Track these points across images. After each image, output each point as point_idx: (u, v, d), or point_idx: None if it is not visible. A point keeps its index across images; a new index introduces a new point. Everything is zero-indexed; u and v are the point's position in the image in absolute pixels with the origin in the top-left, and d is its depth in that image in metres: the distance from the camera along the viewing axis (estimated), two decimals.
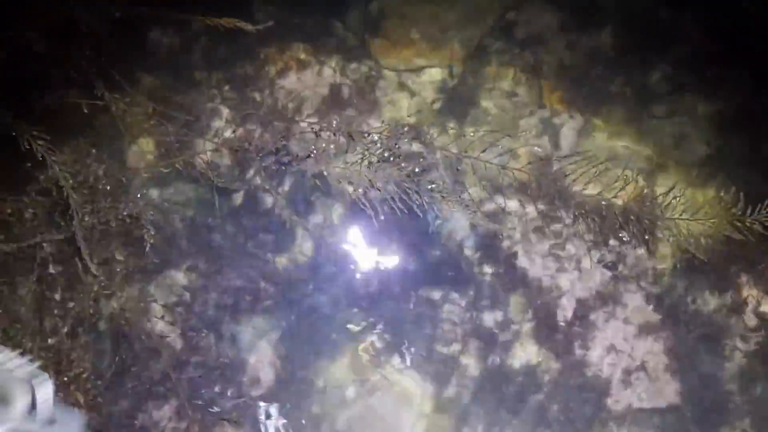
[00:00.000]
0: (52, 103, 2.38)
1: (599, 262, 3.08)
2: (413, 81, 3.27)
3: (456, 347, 2.99)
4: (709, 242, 3.11)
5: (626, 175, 3.17)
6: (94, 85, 2.62)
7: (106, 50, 2.77)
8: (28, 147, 2.09)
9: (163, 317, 2.92)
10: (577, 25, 3.33)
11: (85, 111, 2.71)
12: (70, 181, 2.11)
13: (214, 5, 2.96)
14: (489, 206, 3.11)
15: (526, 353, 3.00)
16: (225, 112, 3.09)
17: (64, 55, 2.36)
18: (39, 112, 2.60)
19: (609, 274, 3.08)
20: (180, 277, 2.98)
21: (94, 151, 2.74)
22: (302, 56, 3.17)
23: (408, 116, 3.21)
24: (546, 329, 3.01)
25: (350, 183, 3.03)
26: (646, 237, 3.11)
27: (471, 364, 2.99)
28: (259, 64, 3.13)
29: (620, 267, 3.09)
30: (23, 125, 2.03)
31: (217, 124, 3.06)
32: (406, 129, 3.17)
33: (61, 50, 2.27)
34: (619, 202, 3.15)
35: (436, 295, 3.04)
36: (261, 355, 2.95)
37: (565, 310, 3.02)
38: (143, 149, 3.00)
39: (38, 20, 2.10)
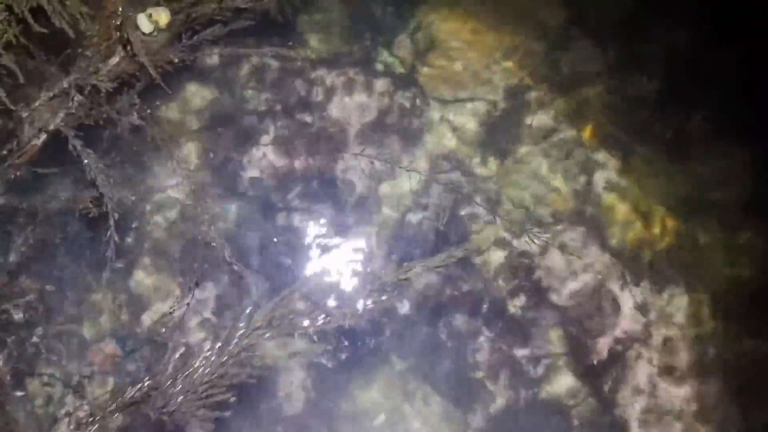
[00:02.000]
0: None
1: (633, 303, 3.07)
2: (457, 111, 3.33)
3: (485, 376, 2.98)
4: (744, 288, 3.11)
5: (661, 216, 3.21)
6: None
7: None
8: (93, 177, 2.14)
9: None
10: (622, 67, 3.38)
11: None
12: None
13: (266, 32, 3.06)
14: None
15: (557, 388, 2.98)
16: (272, 130, 3.15)
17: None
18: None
19: (642, 316, 3.06)
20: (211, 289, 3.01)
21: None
22: (350, 81, 3.24)
23: (450, 145, 3.27)
24: (579, 366, 2.99)
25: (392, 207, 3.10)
26: (682, 280, 3.11)
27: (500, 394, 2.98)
28: (308, 89, 3.20)
29: (653, 309, 3.08)
30: (92, 156, 2.09)
31: (264, 142, 3.12)
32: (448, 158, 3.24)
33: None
34: (658, 242, 3.17)
35: (468, 325, 3.04)
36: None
37: (599, 349, 3.00)
38: (189, 159, 3.07)
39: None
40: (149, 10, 2.17)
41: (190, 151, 3.09)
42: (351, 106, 3.23)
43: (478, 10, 3.40)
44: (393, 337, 3.00)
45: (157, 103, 3.04)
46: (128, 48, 2.12)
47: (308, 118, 3.17)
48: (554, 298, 3.07)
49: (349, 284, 3.06)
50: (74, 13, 1.96)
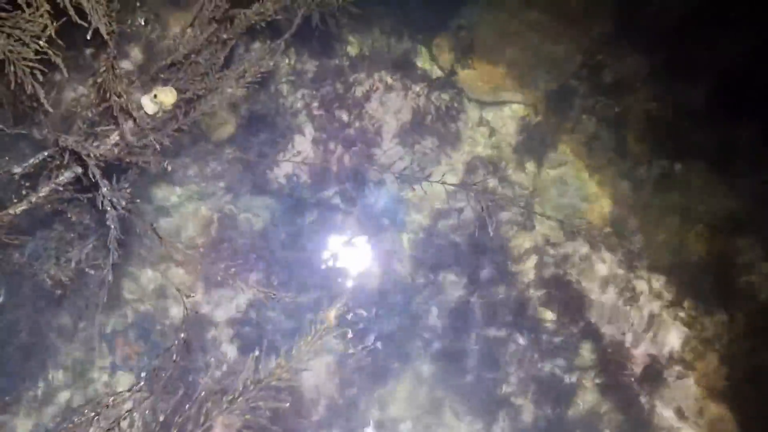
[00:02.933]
0: None
1: (671, 319, 2.99)
2: (495, 115, 3.24)
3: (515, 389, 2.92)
4: None
5: (702, 233, 3.11)
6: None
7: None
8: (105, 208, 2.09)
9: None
10: (668, 75, 3.27)
11: None
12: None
13: (305, 37, 2.99)
14: (564, 249, 3.06)
15: (587, 403, 2.92)
16: (309, 128, 3.08)
17: None
18: None
19: (684, 332, 2.98)
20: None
21: None
22: (389, 81, 3.16)
23: (487, 149, 3.19)
24: (613, 382, 2.93)
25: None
26: (725, 299, 3.02)
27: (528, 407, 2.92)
28: (347, 86, 3.13)
29: (691, 327, 3.00)
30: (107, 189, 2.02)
31: (300, 140, 3.06)
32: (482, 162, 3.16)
33: None
34: (696, 259, 3.07)
35: (500, 334, 2.97)
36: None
37: (636, 364, 2.94)
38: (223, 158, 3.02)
39: None
40: (155, 91, 2.01)
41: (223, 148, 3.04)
42: (388, 105, 3.15)
43: (523, 13, 3.28)
44: (422, 343, 2.95)
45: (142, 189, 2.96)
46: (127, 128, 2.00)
47: (345, 117, 3.10)
48: (589, 310, 3.00)
49: (379, 287, 3.00)
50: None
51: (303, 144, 3.05)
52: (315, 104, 3.08)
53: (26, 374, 2.77)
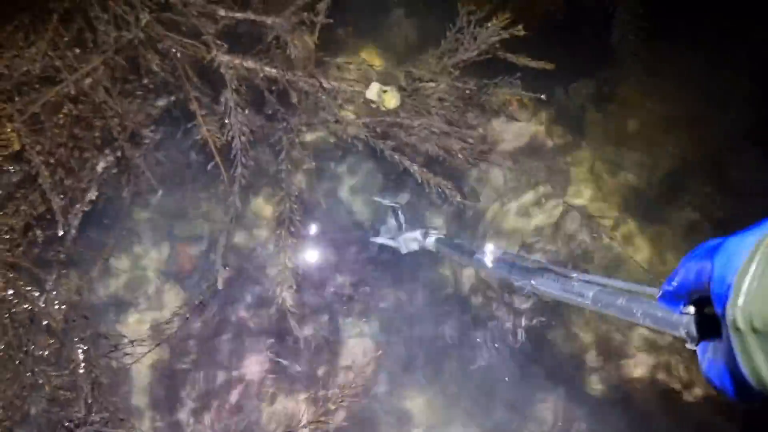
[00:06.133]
0: None
1: None
2: (608, 171, 3.17)
3: None
4: None
5: None
6: None
7: None
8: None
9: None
10: None
11: None
12: None
13: None
14: None
15: None
16: None
17: None
18: None
19: None
20: None
21: None
22: (521, 103, 3.12)
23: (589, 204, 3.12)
24: None
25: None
26: None
27: None
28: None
29: None
30: None
31: None
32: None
33: None
34: None
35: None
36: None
37: None
38: None
39: None
40: (386, 88, 2.04)
41: None
42: (508, 126, 3.10)
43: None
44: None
45: None
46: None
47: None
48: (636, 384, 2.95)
49: None
50: None
51: None
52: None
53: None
